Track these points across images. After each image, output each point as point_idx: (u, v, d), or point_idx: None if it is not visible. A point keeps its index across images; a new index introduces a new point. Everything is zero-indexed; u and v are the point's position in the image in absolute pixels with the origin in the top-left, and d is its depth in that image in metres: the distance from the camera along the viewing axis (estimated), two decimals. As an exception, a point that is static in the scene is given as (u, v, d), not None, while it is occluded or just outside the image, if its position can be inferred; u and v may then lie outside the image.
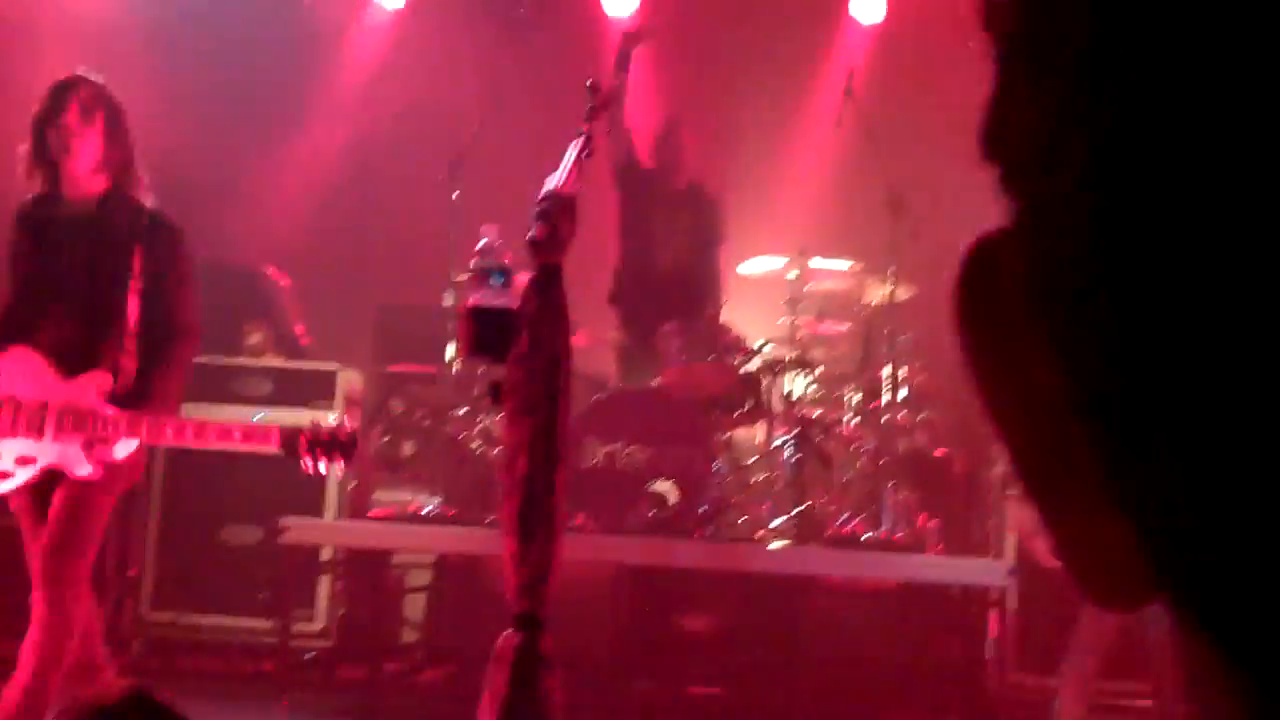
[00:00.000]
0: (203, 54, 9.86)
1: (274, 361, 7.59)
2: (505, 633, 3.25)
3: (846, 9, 10.09)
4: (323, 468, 4.54)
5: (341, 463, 4.58)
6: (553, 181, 3.39)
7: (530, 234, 3.17)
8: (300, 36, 9.95)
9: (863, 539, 6.81)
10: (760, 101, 9.73)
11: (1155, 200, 0.44)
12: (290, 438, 4.44)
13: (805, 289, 7.53)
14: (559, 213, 3.24)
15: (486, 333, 3.33)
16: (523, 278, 3.37)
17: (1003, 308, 0.52)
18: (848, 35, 10.15)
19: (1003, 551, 7.00)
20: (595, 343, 7.76)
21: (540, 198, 3.28)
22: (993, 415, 0.53)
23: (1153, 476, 0.46)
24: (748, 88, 9.73)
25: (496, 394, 3.33)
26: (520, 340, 3.21)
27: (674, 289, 7.65)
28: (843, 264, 7.59)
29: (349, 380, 7.49)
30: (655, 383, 7.24)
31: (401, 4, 10.13)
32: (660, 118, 8.10)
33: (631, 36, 7.68)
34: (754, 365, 7.28)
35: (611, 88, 7.58)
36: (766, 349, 7.39)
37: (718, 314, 7.80)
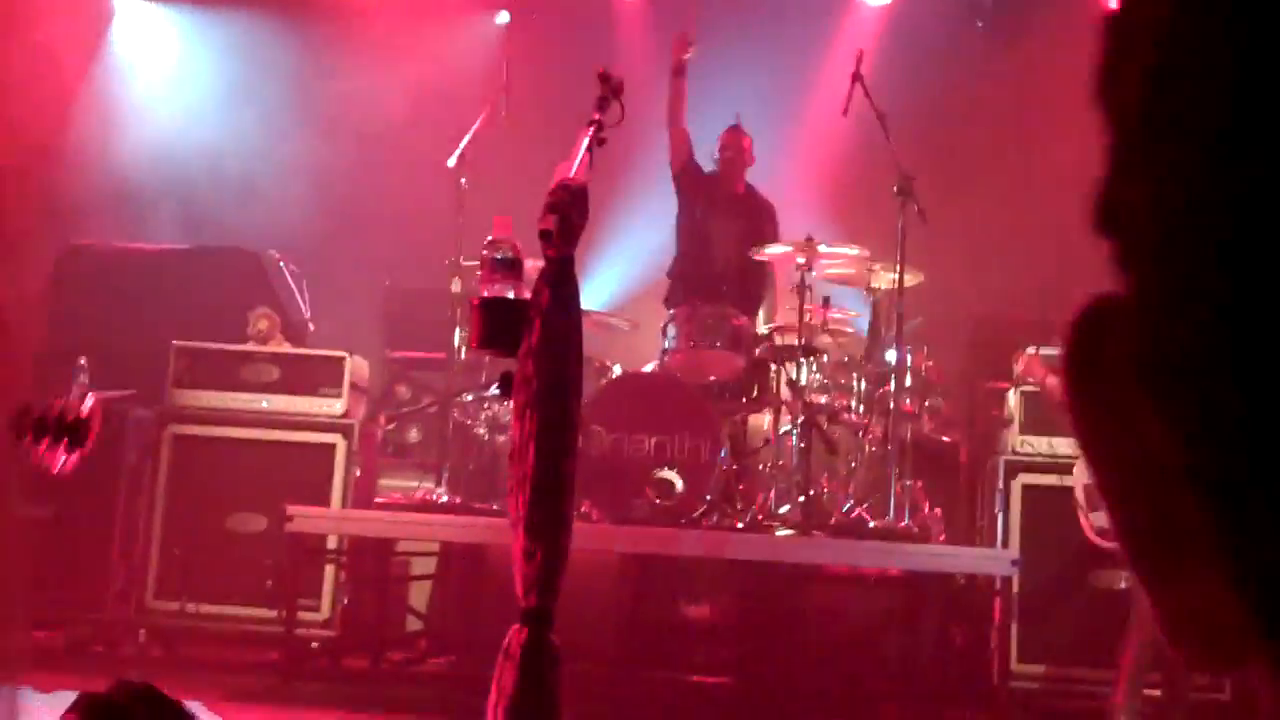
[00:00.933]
0: (206, 39, 9.83)
1: (281, 348, 7.56)
2: (514, 627, 3.23)
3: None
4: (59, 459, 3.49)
5: (72, 452, 3.71)
6: (563, 171, 3.36)
7: (541, 225, 3.14)
8: (307, 18, 9.92)
9: (869, 527, 6.80)
10: (767, 86, 9.68)
11: None
12: (15, 420, 3.69)
13: (812, 275, 7.50)
14: (570, 204, 3.21)
15: (496, 325, 3.31)
16: (533, 268, 3.35)
17: (1115, 374, 0.50)
18: (855, 18, 10.10)
19: (1008, 541, 6.98)
20: (599, 328, 7.74)
21: (551, 188, 3.25)
22: (1098, 476, 0.53)
23: (1267, 545, 0.45)
24: (754, 71, 9.69)
25: (506, 386, 3.31)
26: (531, 332, 3.18)
27: (729, 292, 7.66)
28: (850, 250, 7.56)
29: (356, 366, 7.47)
30: (662, 369, 7.23)
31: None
32: (724, 125, 8.08)
33: (682, 41, 7.70)
34: (761, 351, 7.26)
35: (673, 91, 7.68)
36: (773, 335, 7.36)
37: (773, 313, 7.82)
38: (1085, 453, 0.53)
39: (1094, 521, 6.05)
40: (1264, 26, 0.44)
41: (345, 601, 7.06)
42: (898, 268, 7.17)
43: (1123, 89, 0.51)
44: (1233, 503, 0.46)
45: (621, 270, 9.35)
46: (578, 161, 3.39)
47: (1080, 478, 6.22)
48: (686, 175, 7.91)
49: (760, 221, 7.99)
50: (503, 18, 10.46)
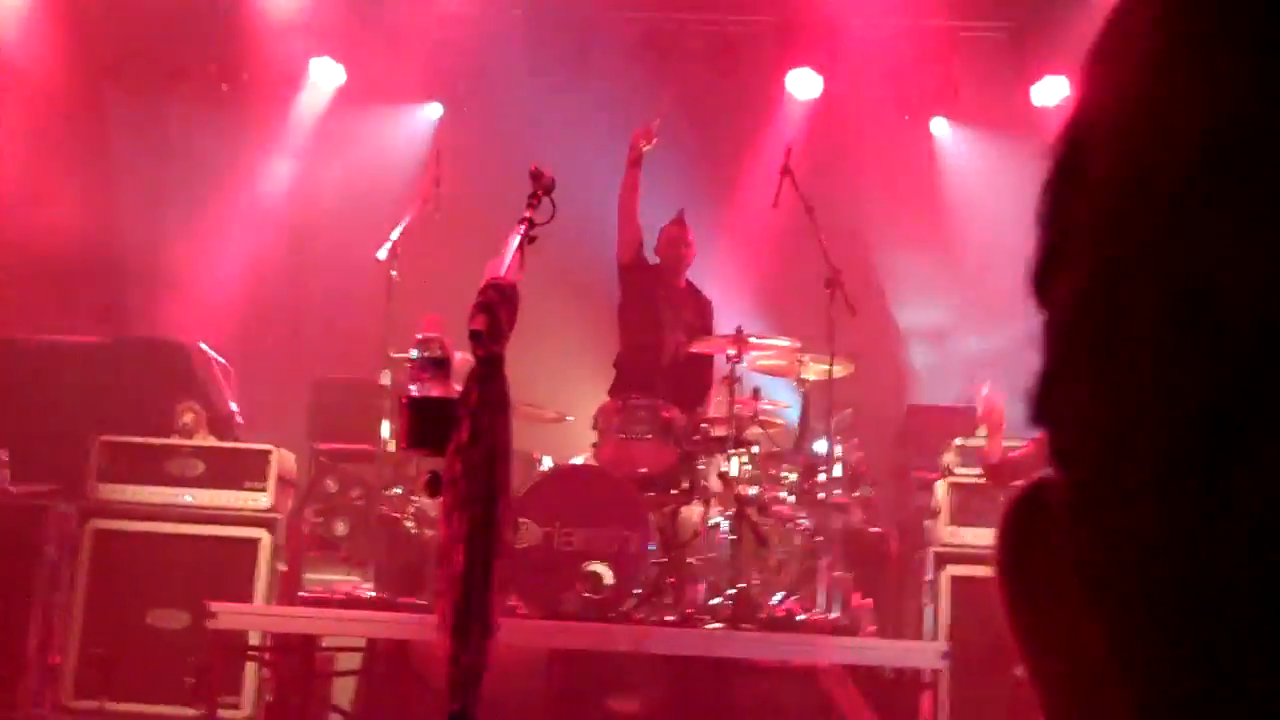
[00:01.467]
0: (135, 132, 9.79)
1: (206, 441, 7.48)
2: (440, 730, 3.18)
3: (783, 85, 10.19)
4: None
5: None
6: (494, 269, 3.36)
7: (471, 325, 3.13)
8: (235, 113, 9.92)
9: (798, 619, 6.77)
10: (697, 179, 9.77)
11: (1234, 509, 0.43)
12: None
13: (742, 366, 7.52)
14: (500, 303, 3.21)
15: (425, 424, 3.28)
16: (464, 361, 3.33)
17: (1050, 568, 0.50)
18: (784, 112, 10.24)
19: (937, 632, 6.98)
20: (530, 420, 7.71)
21: (481, 287, 3.25)
22: (1030, 668, 0.52)
23: None
24: (687, 166, 9.78)
25: (435, 485, 3.28)
26: (460, 431, 3.16)
27: (675, 383, 7.66)
28: (780, 341, 7.60)
29: (282, 460, 7.39)
30: (592, 461, 7.20)
31: (342, 80, 10.12)
32: (669, 217, 8.11)
33: (646, 132, 7.73)
34: (691, 443, 7.25)
35: (628, 182, 7.69)
36: (703, 427, 7.36)
37: (706, 406, 7.81)
38: (1015, 637, 0.53)
39: None
40: (1203, 239, 0.44)
41: (268, 699, 6.93)
42: (828, 359, 7.21)
43: (1061, 285, 0.51)
44: (1164, 702, 0.46)
45: (552, 359, 9.32)
46: (508, 259, 3.40)
47: None
48: (635, 267, 7.91)
49: (703, 315, 8.03)
50: (435, 110, 10.51)
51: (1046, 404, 0.52)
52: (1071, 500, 0.49)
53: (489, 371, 3.17)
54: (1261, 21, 0.44)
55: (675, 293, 8.01)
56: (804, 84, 10.16)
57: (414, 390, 3.32)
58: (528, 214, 3.65)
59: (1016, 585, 0.53)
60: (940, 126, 10.30)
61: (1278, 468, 0.43)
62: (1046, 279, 0.52)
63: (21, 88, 9.36)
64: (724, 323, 7.73)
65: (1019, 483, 0.57)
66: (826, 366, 7.21)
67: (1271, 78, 0.45)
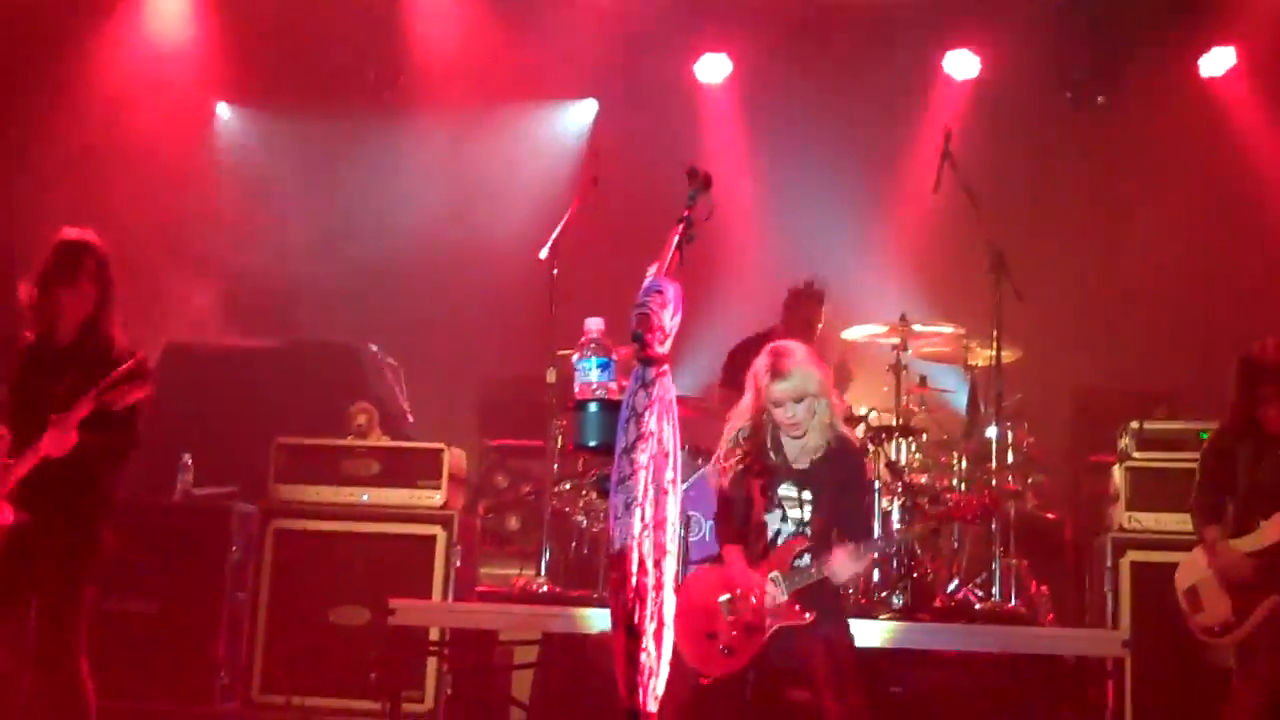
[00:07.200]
0: (300, 142, 10.02)
1: (380, 441, 7.63)
2: (617, 727, 3.20)
3: (940, 66, 10.06)
4: None
5: None
6: (654, 271, 3.36)
7: (633, 328, 3.14)
8: (395, 117, 10.11)
9: (975, 609, 6.68)
10: (858, 166, 9.69)
11: None
12: None
13: (908, 354, 7.45)
14: (661, 305, 3.21)
15: (591, 426, 3.31)
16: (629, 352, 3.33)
17: None
18: (943, 93, 10.09)
19: (1118, 620, 6.82)
20: (698, 414, 7.71)
21: (642, 289, 3.25)
22: None
23: None
24: (845, 152, 9.70)
25: (603, 486, 3.30)
26: (626, 433, 3.17)
27: None
28: (945, 328, 7.51)
29: (454, 457, 7.51)
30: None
31: (499, 79, 10.23)
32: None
33: None
34: (859, 432, 7.19)
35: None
36: (871, 416, 7.31)
37: None
38: None
39: (1200, 622, 5.86)
40: None
41: (449, 692, 7.06)
42: (994, 344, 7.09)
43: None
44: None
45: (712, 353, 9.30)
46: (667, 260, 3.40)
47: (1182, 584, 6.00)
48: None
49: (821, 304, 7.95)
50: (590, 107, 10.57)
51: None
52: None
53: (652, 373, 3.18)
54: None
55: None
56: (961, 65, 10.02)
57: (579, 392, 3.35)
58: (685, 213, 3.64)
59: None
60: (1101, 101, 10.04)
61: None
62: None
63: (184, 104, 9.67)
64: (886, 310, 7.64)
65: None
66: (993, 352, 7.09)
67: None
